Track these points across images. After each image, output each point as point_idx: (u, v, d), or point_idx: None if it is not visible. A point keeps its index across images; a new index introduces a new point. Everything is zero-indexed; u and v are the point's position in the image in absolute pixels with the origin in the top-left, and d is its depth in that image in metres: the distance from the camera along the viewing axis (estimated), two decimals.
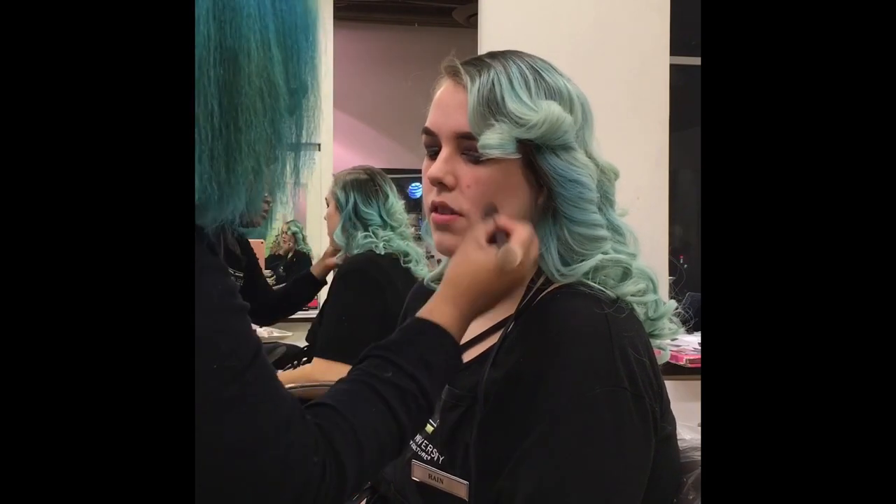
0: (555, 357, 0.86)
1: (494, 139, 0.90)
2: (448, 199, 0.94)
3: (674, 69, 2.13)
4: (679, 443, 0.97)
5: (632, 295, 0.93)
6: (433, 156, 0.96)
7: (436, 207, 0.95)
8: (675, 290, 1.10)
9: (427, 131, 0.97)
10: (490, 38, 1.99)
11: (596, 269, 0.93)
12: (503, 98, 0.91)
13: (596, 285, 0.92)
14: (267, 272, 3.06)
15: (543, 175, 0.93)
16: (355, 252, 2.25)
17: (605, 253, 0.94)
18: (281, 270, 3.31)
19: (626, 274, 0.94)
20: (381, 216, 2.25)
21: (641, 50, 2.09)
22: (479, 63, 0.95)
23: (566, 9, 2.05)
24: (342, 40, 2.73)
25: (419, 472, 0.94)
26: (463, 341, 1.02)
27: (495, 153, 0.91)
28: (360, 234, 2.24)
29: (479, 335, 0.99)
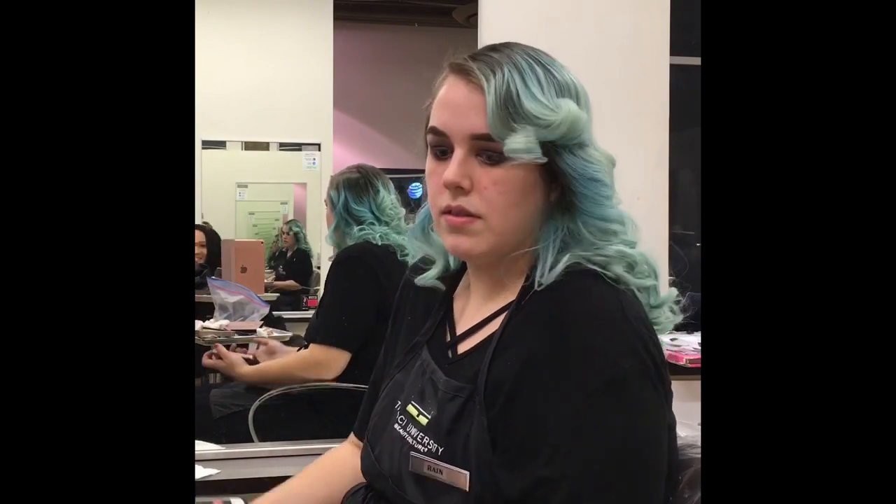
0: (575, 339, 0.86)
1: (521, 144, 0.89)
2: (464, 202, 0.92)
3: (674, 69, 2.14)
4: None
5: (634, 279, 0.94)
6: (439, 155, 0.94)
7: (450, 210, 0.93)
8: (678, 290, 1.10)
9: (436, 131, 0.94)
10: (490, 38, 1.99)
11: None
12: (519, 97, 0.89)
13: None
14: (268, 271, 3.05)
15: (561, 174, 0.92)
16: (350, 243, 2.25)
17: (614, 245, 0.94)
18: (281, 270, 3.31)
19: (630, 266, 0.94)
20: (372, 212, 2.24)
21: (641, 50, 2.09)
22: (487, 60, 0.92)
23: (566, 9, 2.05)
24: (342, 40, 2.72)
25: (417, 465, 0.93)
26: (462, 330, 1.01)
27: (525, 158, 0.89)
28: (356, 228, 2.24)
29: (478, 323, 0.98)
